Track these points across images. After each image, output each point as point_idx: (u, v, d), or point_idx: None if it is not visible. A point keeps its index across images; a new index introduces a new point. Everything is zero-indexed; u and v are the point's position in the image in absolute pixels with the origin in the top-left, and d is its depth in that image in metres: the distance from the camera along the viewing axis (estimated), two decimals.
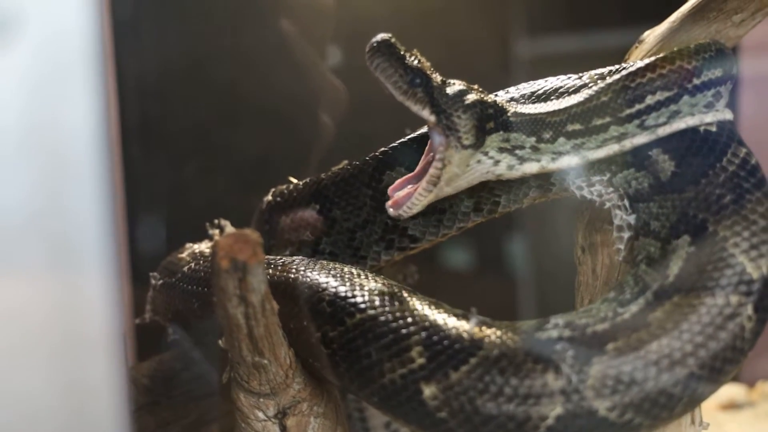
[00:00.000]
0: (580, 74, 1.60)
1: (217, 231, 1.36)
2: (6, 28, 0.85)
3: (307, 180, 1.77)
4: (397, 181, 1.54)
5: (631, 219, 1.49)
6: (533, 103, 1.56)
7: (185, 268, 1.75)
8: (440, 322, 1.35)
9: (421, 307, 1.38)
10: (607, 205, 1.52)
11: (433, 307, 1.39)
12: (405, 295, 1.41)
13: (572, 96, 1.51)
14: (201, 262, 1.73)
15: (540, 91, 1.60)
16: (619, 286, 1.44)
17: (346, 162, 1.75)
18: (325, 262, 1.53)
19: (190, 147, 2.43)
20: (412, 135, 1.68)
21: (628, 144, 1.48)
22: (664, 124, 1.47)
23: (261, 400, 1.45)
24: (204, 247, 1.85)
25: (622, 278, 1.48)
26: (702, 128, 1.48)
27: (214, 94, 2.40)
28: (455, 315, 1.37)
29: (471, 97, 1.46)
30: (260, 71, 2.34)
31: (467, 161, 1.47)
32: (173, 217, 2.31)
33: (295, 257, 1.58)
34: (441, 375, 1.29)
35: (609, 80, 1.48)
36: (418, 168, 1.53)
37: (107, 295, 0.89)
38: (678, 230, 1.42)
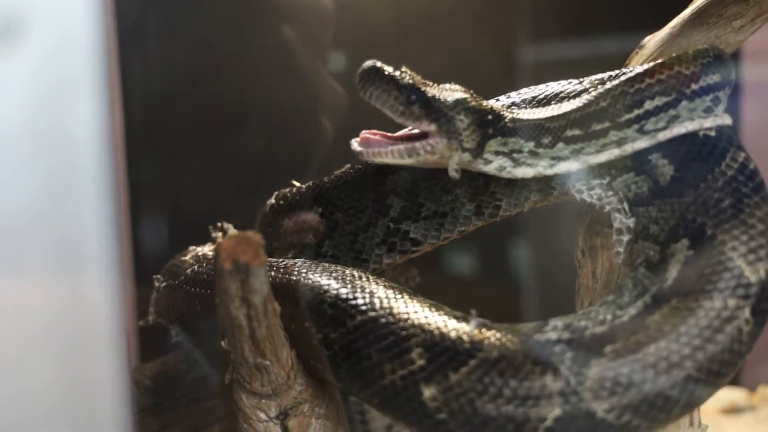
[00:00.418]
0: (581, 79, 1.61)
1: (220, 234, 1.38)
2: (12, 34, 0.86)
3: (310, 183, 1.78)
4: (374, 131, 1.52)
5: (631, 222, 1.50)
6: (534, 107, 1.58)
7: (188, 271, 1.76)
8: (440, 323, 1.36)
9: (421, 309, 1.39)
10: (607, 208, 1.53)
11: (433, 309, 1.40)
12: (406, 297, 1.42)
13: (571, 101, 1.52)
14: (204, 264, 1.74)
15: (541, 96, 1.61)
16: (618, 289, 1.45)
17: (348, 166, 1.76)
18: (326, 264, 1.54)
19: (194, 151, 2.44)
20: None
21: (629, 148, 1.49)
22: (664, 128, 1.48)
23: (263, 401, 1.46)
24: (207, 250, 1.86)
25: (621, 281, 1.49)
26: (701, 133, 1.49)
27: (217, 99, 2.42)
28: (455, 317, 1.38)
29: (470, 102, 1.47)
30: (262, 77, 2.36)
31: (464, 164, 1.48)
32: (177, 220, 2.33)
33: (297, 260, 1.60)
34: (441, 376, 1.30)
35: (608, 85, 1.49)
36: (399, 134, 1.53)
37: (111, 296, 0.90)
38: (677, 234, 1.43)
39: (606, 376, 1.27)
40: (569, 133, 1.48)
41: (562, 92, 1.59)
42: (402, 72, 1.47)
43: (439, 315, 1.38)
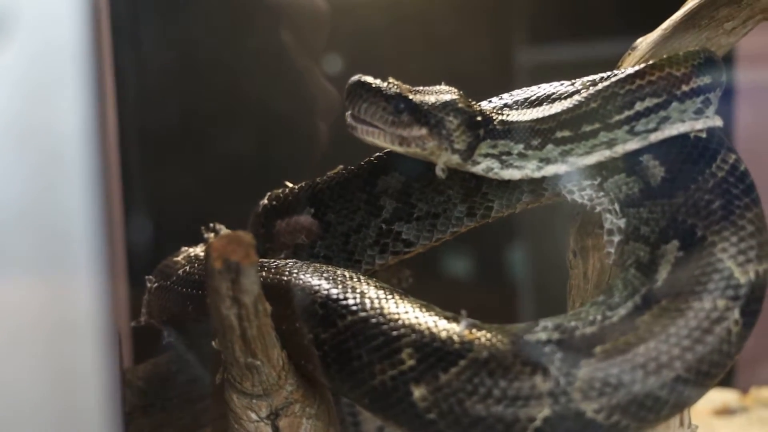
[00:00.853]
0: (573, 81, 1.61)
1: (212, 234, 1.38)
2: (1, 28, 0.86)
3: (303, 184, 1.78)
4: None
5: (622, 223, 1.51)
6: (525, 109, 1.58)
7: (180, 271, 1.76)
8: (431, 324, 1.36)
9: (412, 309, 1.39)
10: (598, 209, 1.54)
11: (424, 309, 1.40)
12: (396, 297, 1.42)
13: (562, 102, 1.53)
14: (196, 265, 1.74)
15: (533, 98, 1.62)
16: (608, 289, 1.45)
17: (341, 167, 1.76)
18: (318, 264, 1.55)
19: (187, 151, 2.45)
20: None
21: (620, 150, 1.49)
22: (655, 130, 1.48)
23: (254, 401, 1.46)
24: (199, 250, 1.86)
25: (612, 282, 1.49)
26: (692, 135, 1.49)
27: (211, 98, 2.42)
28: (446, 317, 1.38)
29: (459, 103, 1.48)
30: (256, 77, 2.36)
31: (453, 165, 1.49)
32: (170, 220, 2.33)
33: (289, 260, 1.60)
34: (431, 377, 1.30)
35: (599, 87, 1.49)
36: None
37: (98, 291, 0.90)
38: (667, 235, 1.43)
39: (595, 376, 1.27)
40: (559, 134, 1.48)
41: (553, 94, 1.59)
42: (388, 83, 1.48)
43: (430, 315, 1.38)
